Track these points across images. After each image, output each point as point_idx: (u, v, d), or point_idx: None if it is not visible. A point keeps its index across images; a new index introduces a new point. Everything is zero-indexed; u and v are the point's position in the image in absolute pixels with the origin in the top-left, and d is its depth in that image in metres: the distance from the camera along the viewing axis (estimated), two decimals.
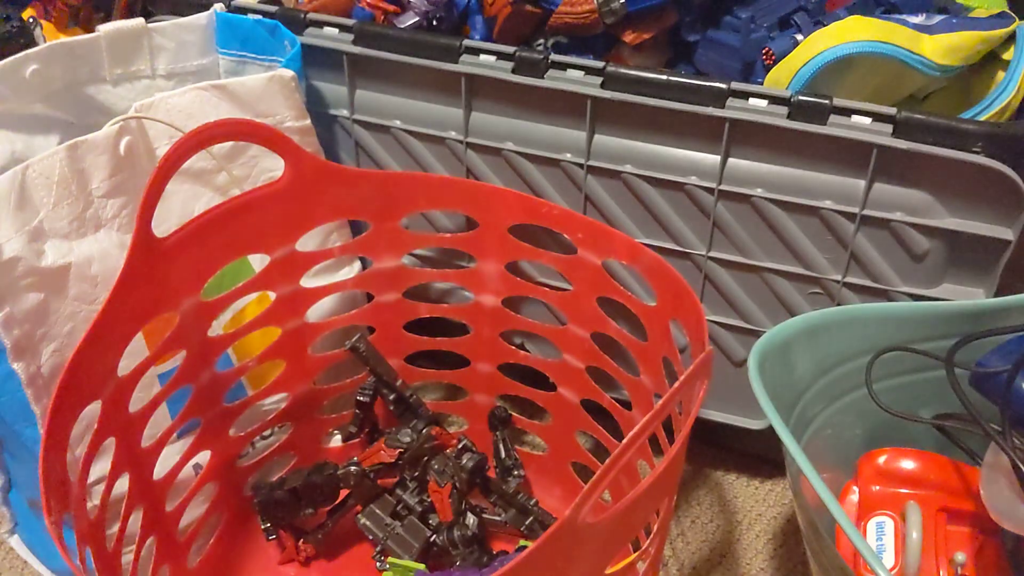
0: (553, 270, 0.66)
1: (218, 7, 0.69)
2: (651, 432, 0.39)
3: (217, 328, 0.63)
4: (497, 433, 0.73)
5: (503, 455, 0.72)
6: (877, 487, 0.60)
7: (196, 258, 0.58)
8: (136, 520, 0.58)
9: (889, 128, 0.58)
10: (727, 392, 0.71)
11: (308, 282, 0.67)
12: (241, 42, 0.69)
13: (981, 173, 0.56)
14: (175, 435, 0.61)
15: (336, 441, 0.75)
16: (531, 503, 0.69)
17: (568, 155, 0.66)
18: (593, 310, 0.64)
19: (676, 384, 0.40)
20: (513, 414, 0.74)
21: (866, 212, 0.60)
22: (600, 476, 0.37)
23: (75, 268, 0.56)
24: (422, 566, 0.65)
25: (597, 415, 0.68)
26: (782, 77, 0.62)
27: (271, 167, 0.64)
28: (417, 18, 0.69)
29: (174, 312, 0.58)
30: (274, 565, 0.69)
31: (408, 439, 0.69)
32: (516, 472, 0.71)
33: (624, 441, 0.38)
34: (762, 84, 0.64)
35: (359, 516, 0.68)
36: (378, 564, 0.68)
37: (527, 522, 0.68)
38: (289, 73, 0.63)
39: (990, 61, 0.65)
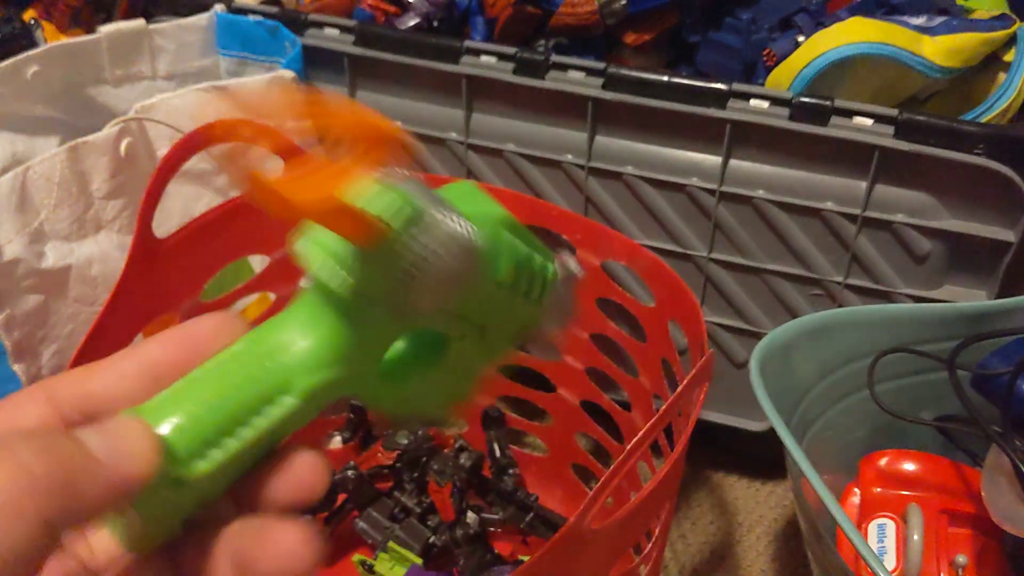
0: None
1: (219, 8, 0.68)
2: (653, 438, 0.39)
3: None
4: (491, 433, 0.73)
5: (497, 454, 0.72)
6: (878, 489, 0.60)
7: (196, 259, 0.58)
8: None
9: (891, 129, 0.58)
10: (728, 394, 0.70)
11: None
12: (242, 43, 0.68)
13: (983, 175, 0.56)
14: None
15: (336, 443, 0.75)
16: (531, 499, 0.68)
17: (569, 156, 0.65)
18: (592, 311, 0.64)
19: (678, 389, 0.40)
20: (510, 415, 0.74)
21: (867, 214, 0.60)
22: (604, 483, 0.37)
23: (75, 270, 0.55)
24: (419, 560, 0.64)
25: (596, 416, 0.67)
26: (783, 78, 0.62)
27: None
28: (418, 19, 0.69)
29: (174, 313, 0.58)
30: None
31: (406, 441, 0.69)
32: (511, 471, 0.71)
33: (627, 448, 0.38)
34: (763, 85, 0.64)
35: (357, 520, 0.68)
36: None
37: (527, 518, 0.68)
38: (290, 74, 0.63)
39: (991, 63, 0.65)
